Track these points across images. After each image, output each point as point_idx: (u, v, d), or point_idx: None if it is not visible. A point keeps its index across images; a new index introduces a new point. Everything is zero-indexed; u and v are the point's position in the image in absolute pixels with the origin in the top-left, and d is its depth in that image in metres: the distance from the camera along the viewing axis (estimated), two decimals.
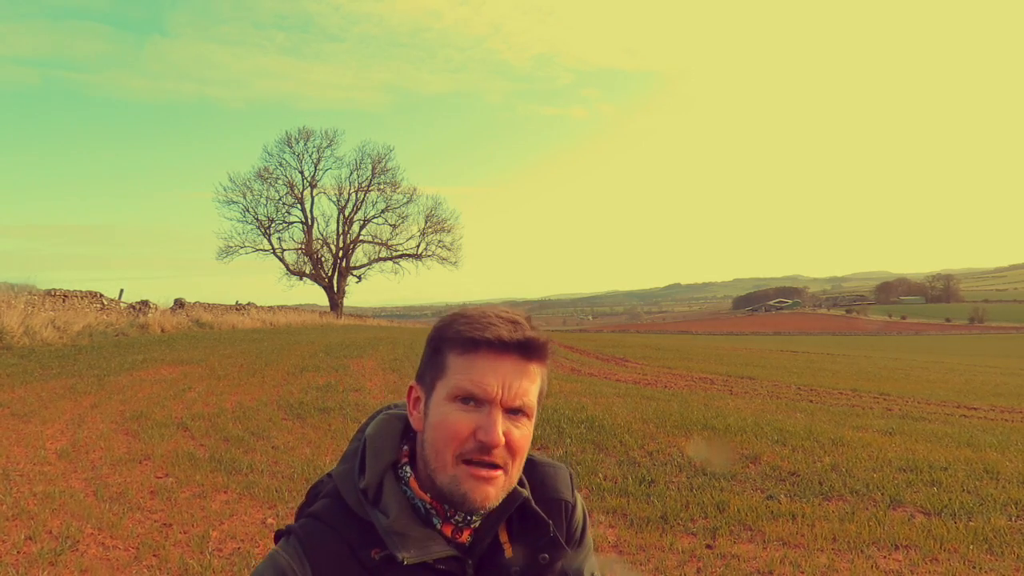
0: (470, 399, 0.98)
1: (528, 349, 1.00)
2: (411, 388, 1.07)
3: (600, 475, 5.39)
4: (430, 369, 1.04)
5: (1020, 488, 4.94)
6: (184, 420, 7.39)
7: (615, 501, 4.77)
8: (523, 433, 1.00)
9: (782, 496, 4.86)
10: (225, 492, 5.01)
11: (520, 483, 1.08)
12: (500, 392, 0.98)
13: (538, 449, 6.18)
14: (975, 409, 10.28)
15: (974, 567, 3.68)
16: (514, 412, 0.99)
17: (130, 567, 3.69)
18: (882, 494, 4.84)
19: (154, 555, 3.84)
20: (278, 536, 1.03)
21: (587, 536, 1.17)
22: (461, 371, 0.99)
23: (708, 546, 4.02)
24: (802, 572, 3.64)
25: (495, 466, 0.98)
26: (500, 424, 0.97)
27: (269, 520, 4.42)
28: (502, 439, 0.97)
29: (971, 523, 4.27)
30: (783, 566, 3.69)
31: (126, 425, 7.14)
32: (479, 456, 0.97)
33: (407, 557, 0.96)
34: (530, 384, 1.01)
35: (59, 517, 4.37)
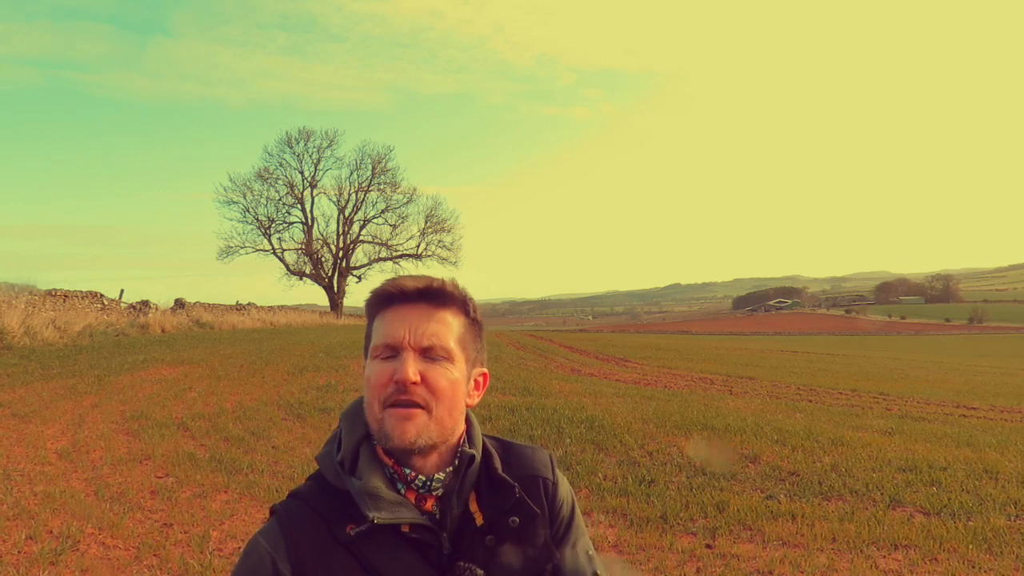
0: (387, 351, 1.04)
1: (431, 296, 1.07)
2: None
3: (600, 475, 5.39)
4: (366, 343, 1.11)
5: (1020, 488, 4.95)
6: (184, 420, 7.39)
7: (615, 501, 4.78)
8: (441, 373, 1.04)
9: (782, 496, 4.86)
10: (225, 492, 5.01)
11: (486, 454, 1.11)
12: (408, 336, 1.04)
13: None
14: (975, 409, 10.29)
15: (973, 567, 3.69)
16: (433, 358, 1.04)
17: (130, 567, 3.69)
18: (882, 494, 4.85)
19: (154, 555, 3.84)
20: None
21: (576, 517, 1.18)
22: (377, 330, 1.07)
23: (708, 546, 4.02)
24: (802, 572, 3.64)
25: (413, 404, 1.02)
26: (411, 363, 1.02)
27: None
28: (413, 375, 1.01)
29: (970, 523, 4.28)
30: (783, 566, 3.70)
31: (126, 425, 7.15)
32: (397, 396, 1.02)
33: (378, 517, 0.98)
34: (441, 327, 1.06)
35: (59, 517, 4.37)
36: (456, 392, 1.06)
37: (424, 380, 1.03)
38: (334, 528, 1.01)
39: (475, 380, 1.13)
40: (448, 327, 1.07)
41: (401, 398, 1.01)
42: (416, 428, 1.01)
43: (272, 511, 1.06)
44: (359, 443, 1.07)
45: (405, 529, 1.01)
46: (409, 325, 1.05)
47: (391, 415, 1.01)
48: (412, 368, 1.02)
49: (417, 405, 1.02)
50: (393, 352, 1.04)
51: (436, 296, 1.08)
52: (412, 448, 1.02)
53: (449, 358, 1.06)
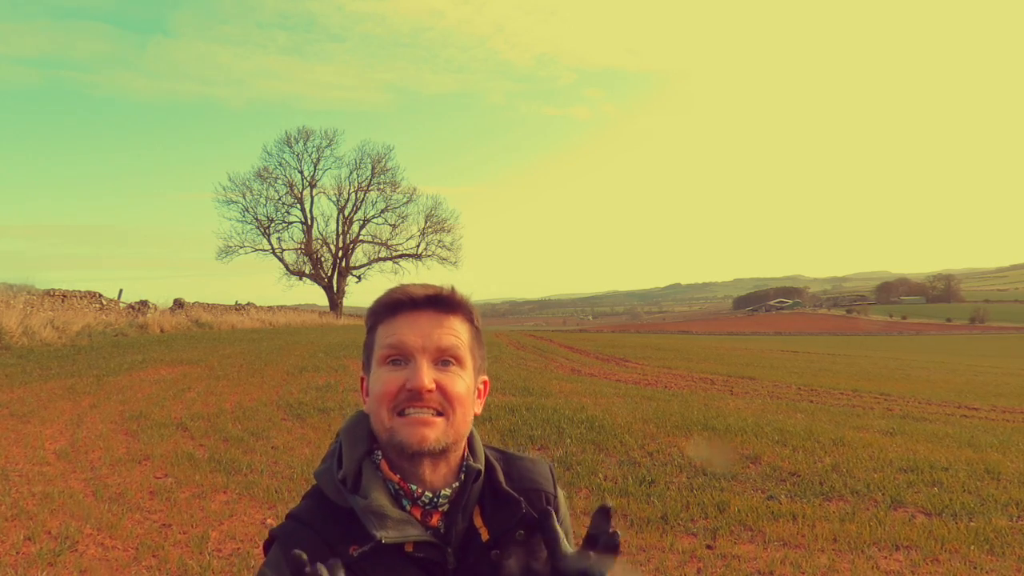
0: (397, 358, 1.03)
1: (441, 303, 1.06)
2: (361, 380, 1.11)
3: (600, 475, 5.38)
4: (367, 351, 1.09)
5: (1021, 488, 4.94)
6: (183, 420, 7.37)
7: (615, 501, 4.76)
8: (454, 379, 1.03)
9: (783, 496, 4.85)
10: (224, 492, 5.00)
11: (489, 467, 1.10)
12: (420, 342, 1.02)
13: (538, 449, 6.17)
14: (976, 409, 10.27)
15: (975, 567, 3.67)
16: (443, 362, 1.03)
17: (129, 567, 3.68)
18: (883, 494, 4.83)
19: (153, 555, 3.83)
20: (267, 544, 1.04)
21: (570, 533, 1.17)
22: (385, 336, 1.05)
23: (708, 546, 4.01)
24: (803, 572, 3.63)
25: (430, 411, 1.01)
26: (425, 370, 1.01)
27: (269, 520, 4.41)
28: (429, 383, 1.00)
29: (972, 523, 4.27)
30: (784, 566, 3.68)
31: (125, 425, 7.13)
32: (410, 403, 1.00)
33: (385, 536, 0.96)
34: (452, 334, 1.05)
35: (58, 517, 4.36)
36: (468, 398, 1.05)
37: (439, 387, 1.01)
38: (336, 549, 0.98)
39: (477, 388, 1.12)
40: (458, 334, 1.06)
41: (417, 405, 1.00)
42: (435, 433, 1.00)
43: (272, 536, 1.04)
44: (361, 459, 1.05)
45: (409, 548, 1.00)
46: (421, 331, 1.03)
47: (404, 423, 0.99)
48: (428, 375, 1.00)
49: (435, 412, 1.01)
50: (403, 358, 1.02)
51: (445, 303, 1.06)
52: (431, 452, 1.00)
53: (461, 364, 1.05)
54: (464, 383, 1.04)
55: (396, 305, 1.06)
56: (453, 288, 1.08)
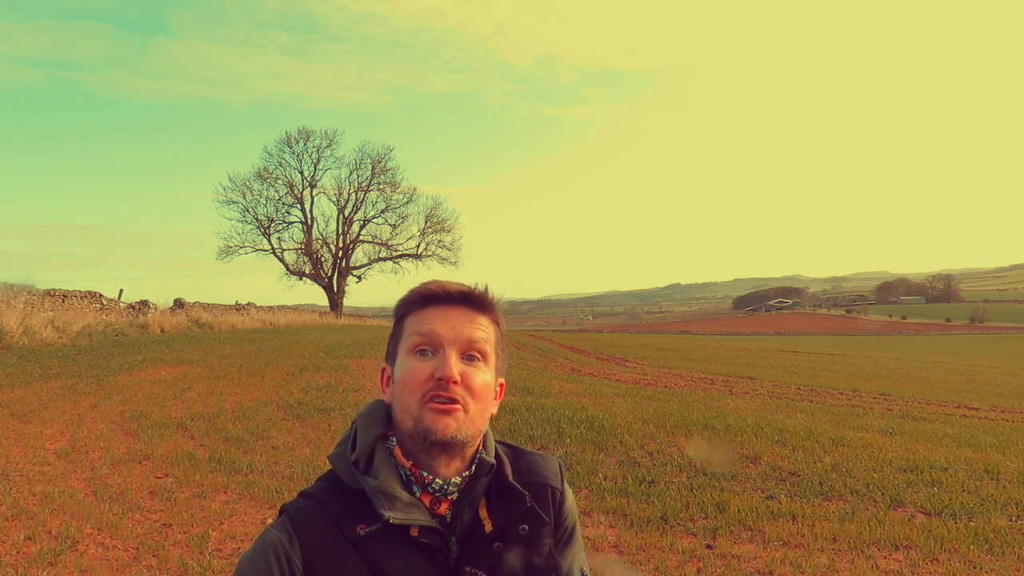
0: (426, 349, 1.06)
1: (473, 300, 1.10)
2: (383, 370, 1.14)
3: (600, 475, 5.38)
4: (393, 341, 1.13)
5: (1021, 488, 4.94)
6: (184, 420, 7.38)
7: (615, 501, 4.77)
8: (478, 373, 1.07)
9: (782, 496, 4.85)
10: (225, 492, 5.00)
11: (499, 461, 1.12)
12: (451, 334, 1.06)
13: (538, 449, 6.18)
14: (975, 409, 10.29)
15: (974, 567, 3.68)
16: (470, 357, 1.07)
17: (130, 567, 3.68)
18: (882, 494, 4.84)
19: (154, 555, 3.83)
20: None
21: (577, 531, 1.19)
22: (415, 326, 1.08)
23: (708, 546, 4.01)
24: (802, 572, 3.63)
25: (453, 400, 1.03)
26: (454, 361, 1.04)
27: (269, 520, 4.41)
28: (456, 374, 1.03)
29: (972, 523, 4.27)
30: (783, 566, 3.69)
31: (126, 425, 7.14)
32: (437, 392, 1.03)
33: (393, 517, 0.99)
34: (480, 331, 1.09)
35: (58, 517, 4.36)
36: (488, 394, 1.09)
37: (463, 379, 1.04)
38: (344, 527, 1.01)
39: (494, 389, 1.14)
40: (486, 332, 1.10)
41: (442, 394, 1.03)
42: (457, 422, 1.03)
43: (283, 509, 1.07)
44: (375, 443, 1.08)
45: (414, 532, 1.02)
46: (452, 324, 1.07)
47: (431, 409, 1.02)
48: (456, 366, 1.04)
49: (456, 401, 1.04)
50: (432, 348, 1.06)
51: (477, 302, 1.10)
52: (452, 442, 1.03)
53: (485, 361, 1.09)
54: (485, 379, 1.07)
55: (430, 297, 1.10)
56: (487, 288, 1.12)
